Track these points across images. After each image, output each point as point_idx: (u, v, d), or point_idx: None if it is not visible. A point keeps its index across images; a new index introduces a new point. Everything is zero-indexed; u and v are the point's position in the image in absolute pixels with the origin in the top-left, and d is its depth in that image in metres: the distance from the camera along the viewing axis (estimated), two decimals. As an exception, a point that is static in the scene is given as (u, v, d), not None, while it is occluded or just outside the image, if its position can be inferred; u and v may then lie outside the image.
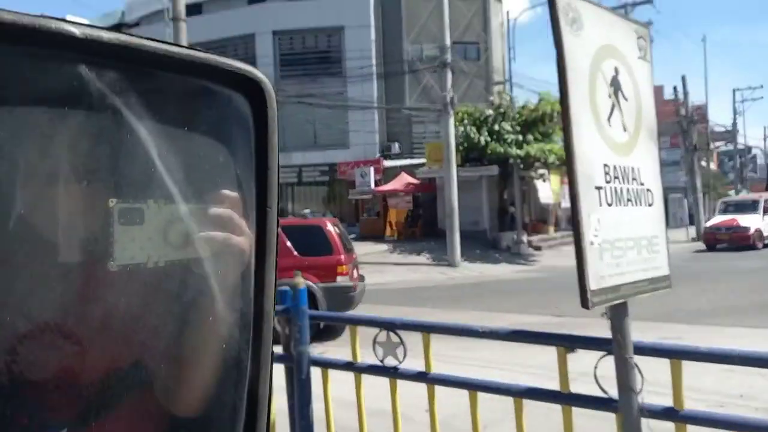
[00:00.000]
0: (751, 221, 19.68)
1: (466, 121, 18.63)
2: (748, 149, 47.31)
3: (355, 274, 8.61)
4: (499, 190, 20.43)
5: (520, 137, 17.55)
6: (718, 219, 21.04)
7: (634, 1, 25.95)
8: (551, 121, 18.92)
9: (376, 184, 23.93)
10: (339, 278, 8.08)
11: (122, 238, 0.47)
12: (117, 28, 25.64)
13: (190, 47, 0.52)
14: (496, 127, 17.89)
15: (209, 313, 0.53)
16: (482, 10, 28.29)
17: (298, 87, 26.62)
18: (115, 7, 38.12)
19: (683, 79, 25.20)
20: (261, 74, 0.53)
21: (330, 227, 8.46)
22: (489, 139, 17.65)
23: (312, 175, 28.60)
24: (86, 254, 0.48)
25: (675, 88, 25.02)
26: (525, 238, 19.16)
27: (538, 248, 19.64)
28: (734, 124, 37.48)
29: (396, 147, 27.46)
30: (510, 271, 15.72)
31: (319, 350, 5.23)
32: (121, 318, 0.49)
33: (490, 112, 18.40)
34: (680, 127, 24.56)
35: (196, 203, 0.52)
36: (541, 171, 20.50)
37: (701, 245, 21.13)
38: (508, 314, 8.94)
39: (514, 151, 17.18)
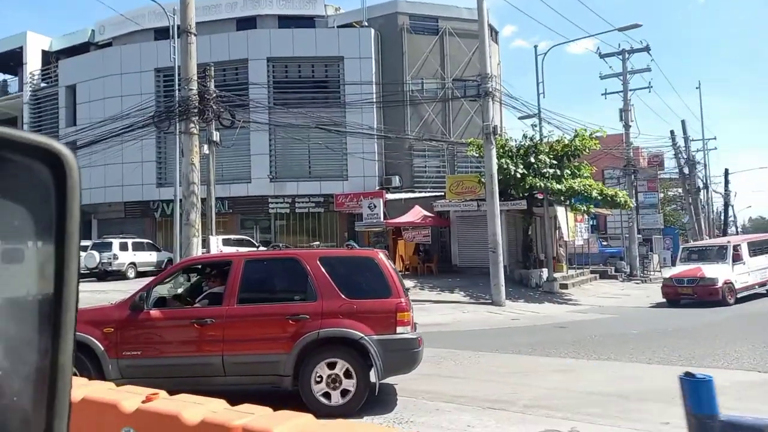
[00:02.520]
0: (718, 271, 15.81)
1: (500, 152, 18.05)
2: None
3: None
4: (523, 225, 19.82)
5: (558, 171, 17.11)
6: (679, 269, 17.01)
7: (632, 48, 26.73)
8: (578, 157, 18.68)
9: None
10: (400, 329, 6.00)
11: None
12: (85, 46, 23.73)
13: None
14: (532, 160, 17.36)
15: None
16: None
17: (292, 115, 25.40)
18: (83, 26, 35.83)
19: (683, 123, 26.05)
20: (62, 147, 0.56)
21: (384, 259, 6.41)
22: (525, 171, 17.06)
23: (306, 206, 27.17)
24: None
25: (672, 132, 25.82)
26: (555, 275, 18.53)
27: (564, 286, 19.01)
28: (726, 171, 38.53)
29: (397, 180, 26.60)
30: (562, 311, 14.88)
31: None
32: None
33: (527, 143, 17.94)
34: (680, 170, 25.15)
35: None
36: (559, 207, 20.12)
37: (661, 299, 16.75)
38: (716, 369, 6.97)
39: (555, 185, 16.66)
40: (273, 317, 6.11)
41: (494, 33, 29.30)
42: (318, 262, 6.29)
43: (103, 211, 30.28)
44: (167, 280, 7.03)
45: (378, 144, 26.46)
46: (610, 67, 28.08)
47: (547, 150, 18.10)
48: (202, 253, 17.80)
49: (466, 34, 28.06)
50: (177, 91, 17.85)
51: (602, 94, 27.64)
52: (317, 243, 22.13)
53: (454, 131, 27.22)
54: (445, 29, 27.72)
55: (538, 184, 16.70)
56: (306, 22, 29.07)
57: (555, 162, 17.45)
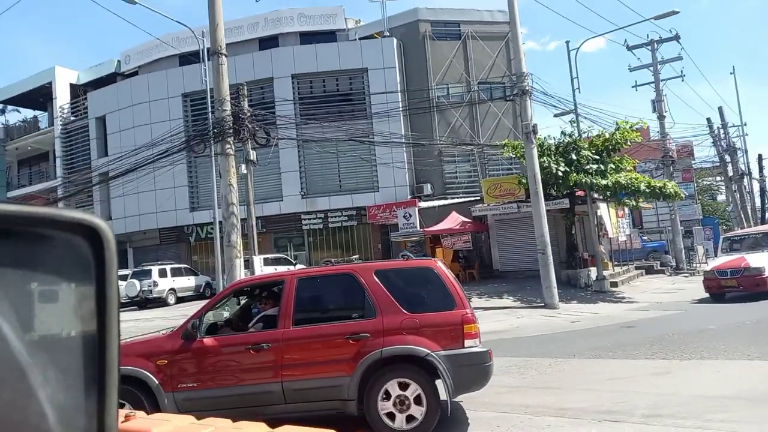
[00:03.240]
0: (764, 260, 14.46)
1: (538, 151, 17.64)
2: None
3: None
4: (566, 224, 19.33)
5: (602, 167, 16.63)
6: (721, 259, 15.54)
7: (661, 38, 26.15)
8: (619, 151, 18.17)
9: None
10: (468, 342, 5.53)
11: None
12: (112, 77, 24.00)
13: (35, 205, 0.61)
14: (573, 156, 16.92)
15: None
16: (505, 50, 28.09)
17: (320, 130, 25.32)
18: (108, 57, 36.45)
19: (720, 110, 25.33)
20: (99, 220, 0.62)
21: (444, 268, 5.96)
22: (567, 168, 16.61)
23: (339, 220, 27.01)
24: None
25: (709, 120, 25.09)
26: (604, 273, 17.97)
27: (614, 284, 18.42)
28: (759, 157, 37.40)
29: (428, 188, 26.33)
30: (621, 310, 14.32)
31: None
32: None
33: (566, 139, 17.51)
34: (720, 157, 24.39)
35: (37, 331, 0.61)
36: (601, 204, 19.59)
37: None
38: None
39: (600, 180, 16.17)
40: (332, 338, 5.75)
41: (516, 33, 28.97)
42: (374, 276, 5.90)
43: (137, 239, 30.55)
44: (218, 305, 6.73)
45: (407, 153, 26.25)
46: (638, 58, 27.53)
47: (586, 146, 17.63)
48: (246, 274, 17.71)
49: (488, 36, 27.84)
50: (210, 113, 17.86)
51: (632, 87, 27.07)
52: (356, 257, 21.88)
53: (482, 135, 26.89)
54: (467, 33, 27.51)
55: (583, 181, 16.21)
56: (328, 37, 29.13)
57: (597, 157, 16.98)
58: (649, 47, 26.44)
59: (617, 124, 17.28)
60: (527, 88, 15.73)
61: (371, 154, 26.39)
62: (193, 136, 17.48)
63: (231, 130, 16.23)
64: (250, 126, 15.94)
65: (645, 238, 29.58)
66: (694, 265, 25.62)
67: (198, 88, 28.05)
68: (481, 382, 5.64)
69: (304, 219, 27.00)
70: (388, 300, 5.73)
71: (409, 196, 26.02)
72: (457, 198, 25.72)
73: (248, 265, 17.40)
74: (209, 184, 28.56)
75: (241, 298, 7.42)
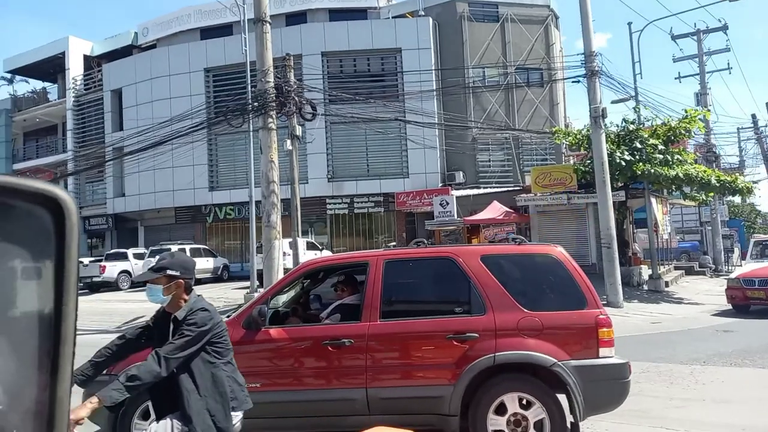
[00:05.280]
0: None
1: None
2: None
3: None
4: (618, 218, 18.32)
5: (668, 157, 15.61)
6: (749, 267, 13.74)
7: (707, 28, 25.11)
8: (678, 142, 17.16)
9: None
10: (603, 351, 4.41)
11: None
12: (128, 49, 22.83)
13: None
14: (638, 144, 15.89)
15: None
16: (544, 35, 26.97)
17: (350, 111, 24.15)
18: (126, 29, 35.11)
19: (769, 106, 24.35)
20: (61, 192, 0.61)
21: (567, 256, 4.81)
22: (631, 158, 15.58)
23: (365, 206, 25.92)
24: None
25: (754, 116, 24.15)
26: (658, 271, 17.02)
27: (666, 284, 17.47)
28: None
29: (461, 176, 25.26)
30: (694, 312, 13.30)
31: None
32: None
33: (629, 126, 16.47)
34: (764, 156, 23.47)
35: None
36: (652, 198, 18.57)
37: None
38: None
39: (668, 171, 15.14)
40: (430, 336, 4.62)
41: (556, 19, 27.86)
42: (481, 262, 4.73)
43: (149, 218, 29.35)
44: (286, 288, 5.56)
45: (439, 139, 25.16)
46: (681, 49, 26.46)
47: (646, 135, 16.61)
48: (285, 256, 16.57)
49: (527, 20, 26.71)
50: (249, 86, 16.70)
51: (676, 78, 26.06)
52: (393, 243, 20.82)
53: (518, 122, 25.83)
54: (506, 15, 26.36)
55: (651, 171, 15.16)
56: (358, 14, 27.91)
57: (663, 147, 15.96)
58: (695, 37, 25.40)
59: (685, 111, 16.27)
60: (596, 68, 14.66)
61: (402, 139, 25.28)
62: (233, 109, 16.27)
63: (274, 103, 15.13)
64: (296, 99, 14.81)
65: (679, 237, 28.70)
66: (732, 267, 24.74)
67: (221, 63, 26.86)
68: (616, 402, 4.50)
69: (330, 203, 25.88)
70: (501, 293, 4.58)
71: (440, 184, 24.96)
72: (491, 187, 24.68)
73: (291, 246, 16.29)
74: (230, 163, 27.45)
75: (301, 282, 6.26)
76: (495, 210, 19.79)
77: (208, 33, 28.97)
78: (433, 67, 25.23)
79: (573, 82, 15.02)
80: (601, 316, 4.49)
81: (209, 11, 29.19)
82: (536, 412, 4.32)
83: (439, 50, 26.08)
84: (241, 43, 17.28)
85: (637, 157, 15.82)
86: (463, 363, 4.44)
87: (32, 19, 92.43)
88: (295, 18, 28.21)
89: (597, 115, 14.56)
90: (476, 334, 4.47)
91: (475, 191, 23.93)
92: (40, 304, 0.60)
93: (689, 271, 23.29)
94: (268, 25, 16.63)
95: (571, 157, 25.70)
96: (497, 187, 24.41)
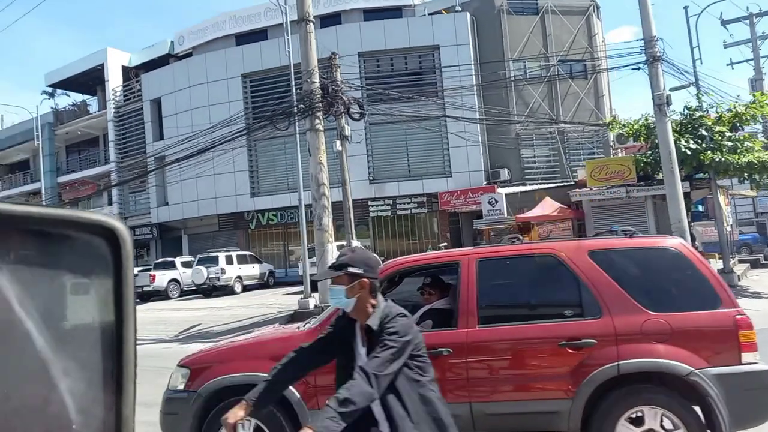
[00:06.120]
0: None
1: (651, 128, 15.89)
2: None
3: None
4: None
5: (738, 144, 14.81)
6: None
7: (761, 11, 24.01)
8: (743, 129, 16.30)
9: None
10: (746, 356, 3.87)
11: None
12: (165, 59, 22.97)
13: (53, 206, 0.64)
14: (703, 132, 15.12)
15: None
16: (586, 26, 26.19)
17: (388, 110, 23.78)
18: (162, 38, 35.51)
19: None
20: (117, 222, 0.64)
21: (689, 248, 4.29)
22: (698, 146, 14.82)
23: (407, 207, 25.53)
24: None
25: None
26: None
27: (737, 277, 16.59)
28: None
29: (505, 173, 24.66)
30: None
31: None
32: None
33: (694, 114, 15.70)
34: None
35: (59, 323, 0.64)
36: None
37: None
38: None
39: (741, 159, 14.34)
40: (539, 344, 4.13)
41: (597, 9, 27.04)
42: (589, 258, 4.19)
43: (192, 226, 29.52)
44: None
45: (482, 136, 24.60)
46: (731, 35, 25.33)
47: (710, 123, 15.81)
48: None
49: (568, 10, 25.99)
50: (294, 89, 16.47)
51: (727, 65, 25.00)
52: (444, 244, 20.40)
53: (562, 116, 25.09)
54: (546, 7, 25.67)
55: (722, 160, 14.38)
56: (392, 13, 27.59)
57: (731, 134, 15.16)
58: (747, 21, 24.30)
59: (754, 95, 15.44)
60: (658, 54, 13.96)
61: (444, 138, 24.82)
62: (278, 112, 16.06)
63: (320, 104, 14.86)
64: (344, 98, 14.51)
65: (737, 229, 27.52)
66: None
67: (258, 68, 26.84)
68: (765, 415, 3.94)
69: (371, 205, 25.56)
70: (617, 292, 4.02)
71: (484, 183, 24.41)
72: (536, 184, 24.02)
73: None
74: (270, 168, 27.40)
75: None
76: (548, 206, 19.16)
77: (243, 39, 29.00)
78: (472, 63, 24.69)
79: (633, 69, 14.33)
80: (739, 317, 3.91)
81: (244, 17, 29.24)
82: (664, 419, 3.83)
83: (477, 46, 25.54)
84: (284, 45, 17.09)
85: (704, 145, 15.04)
86: (580, 373, 3.94)
87: (70, 33, 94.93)
88: (330, 20, 28.02)
89: (661, 103, 13.87)
90: (593, 340, 3.96)
91: (521, 188, 23.31)
92: (102, 328, 0.63)
93: (754, 264, 22.26)
94: (311, 24, 16.40)
95: (619, 150, 24.87)
96: (543, 184, 23.74)
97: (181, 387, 4.73)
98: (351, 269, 2.33)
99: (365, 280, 2.36)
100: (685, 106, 16.22)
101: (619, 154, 23.96)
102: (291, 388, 4.37)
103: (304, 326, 5.05)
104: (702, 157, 14.76)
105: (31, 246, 0.61)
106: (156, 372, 9.09)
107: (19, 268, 0.58)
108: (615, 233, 4.81)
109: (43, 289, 0.61)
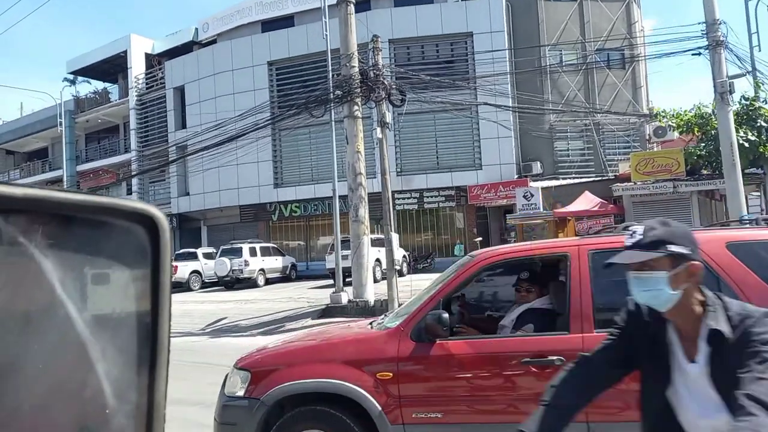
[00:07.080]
0: None
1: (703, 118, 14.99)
2: None
3: None
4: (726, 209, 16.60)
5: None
6: None
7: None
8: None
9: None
10: None
11: None
12: (188, 46, 22.41)
13: (93, 193, 0.65)
14: (762, 123, 14.19)
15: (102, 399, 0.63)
16: (625, 13, 25.15)
17: (416, 102, 22.97)
18: (186, 25, 34.97)
19: None
20: (155, 210, 0.66)
21: None
22: (757, 138, 13.90)
23: (435, 201, 24.75)
24: None
25: None
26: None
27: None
28: None
29: (538, 166, 23.77)
30: None
31: None
32: None
33: (754, 105, 14.77)
34: None
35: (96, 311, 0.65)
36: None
37: None
38: None
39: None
40: None
41: (636, -4, 25.97)
42: (728, 251, 3.53)
43: (212, 217, 28.97)
44: (459, 289, 4.21)
45: (514, 128, 23.72)
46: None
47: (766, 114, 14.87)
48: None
49: (607, -3, 24.97)
50: (330, 74, 15.74)
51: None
52: (479, 239, 19.61)
53: (599, 107, 24.12)
54: (584, -7, 24.70)
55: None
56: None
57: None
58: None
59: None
60: (721, 39, 13.03)
61: (474, 129, 23.99)
62: (313, 99, 15.36)
63: (359, 90, 14.14)
64: (386, 83, 13.76)
65: None
66: None
67: (285, 55, 26.16)
68: None
69: (398, 198, 24.78)
70: (763, 288, 3.33)
71: (516, 176, 23.55)
72: (570, 178, 23.12)
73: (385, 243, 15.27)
74: (294, 159, 26.74)
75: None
76: (587, 201, 18.29)
77: (269, 25, 28.32)
78: (507, 51, 23.78)
79: (693, 54, 13.41)
80: None
81: (270, 3, 28.54)
82: None
83: (512, 33, 24.61)
84: (315, 30, 16.40)
85: (764, 137, 14.11)
86: None
87: (92, 20, 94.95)
88: (359, 6, 27.16)
89: (724, 91, 12.97)
90: None
91: (555, 182, 22.42)
92: (139, 314, 0.63)
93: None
94: (351, 5, 15.70)
95: (655, 144, 23.86)
96: (577, 178, 22.83)
97: (240, 393, 4.04)
98: (674, 248, 1.53)
99: (695, 263, 1.57)
100: (743, 96, 15.27)
101: (655, 149, 22.98)
102: (368, 395, 3.70)
103: (377, 324, 4.37)
104: (762, 150, 13.83)
105: (72, 232, 0.60)
106: (193, 367, 8.46)
107: (61, 254, 0.58)
108: (750, 222, 4.11)
109: (84, 274, 0.60)
